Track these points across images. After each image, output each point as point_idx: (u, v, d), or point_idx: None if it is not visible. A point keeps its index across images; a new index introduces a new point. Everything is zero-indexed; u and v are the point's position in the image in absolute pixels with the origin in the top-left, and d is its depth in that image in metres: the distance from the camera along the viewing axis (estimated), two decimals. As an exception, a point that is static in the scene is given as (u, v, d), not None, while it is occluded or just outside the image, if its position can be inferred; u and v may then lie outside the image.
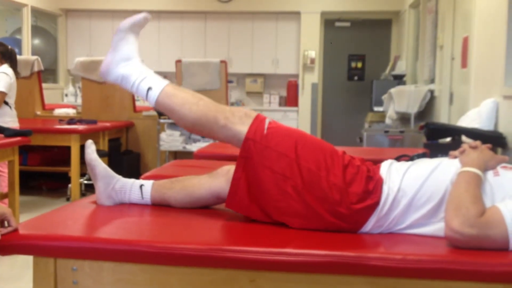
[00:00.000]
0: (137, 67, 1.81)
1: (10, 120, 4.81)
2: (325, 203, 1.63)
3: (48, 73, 9.52)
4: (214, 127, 1.73)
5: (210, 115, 1.73)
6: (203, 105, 1.75)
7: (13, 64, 4.86)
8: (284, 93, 9.73)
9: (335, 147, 1.77)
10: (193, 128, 1.79)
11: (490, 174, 1.63)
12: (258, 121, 1.73)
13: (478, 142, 1.74)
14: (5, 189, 4.36)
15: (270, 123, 1.74)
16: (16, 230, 1.56)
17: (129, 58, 1.81)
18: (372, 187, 1.65)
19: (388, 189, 1.65)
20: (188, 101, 1.75)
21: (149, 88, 1.77)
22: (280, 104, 9.66)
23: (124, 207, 1.89)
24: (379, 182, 1.66)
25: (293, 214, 1.66)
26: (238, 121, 1.72)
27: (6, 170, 4.30)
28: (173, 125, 6.12)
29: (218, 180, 1.83)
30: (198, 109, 1.74)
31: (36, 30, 9.23)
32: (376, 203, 1.63)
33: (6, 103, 4.76)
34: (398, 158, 1.85)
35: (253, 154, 1.69)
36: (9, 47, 4.93)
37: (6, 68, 4.77)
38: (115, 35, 1.83)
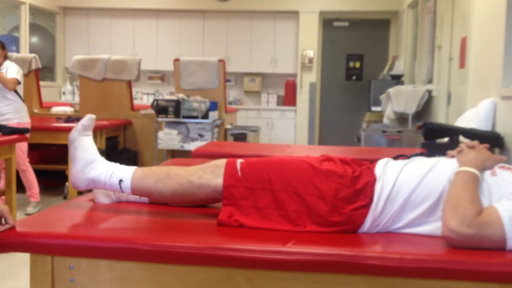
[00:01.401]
0: (101, 166, 1.83)
1: (25, 116, 4.89)
2: (317, 218, 1.64)
3: (46, 71, 9.50)
4: (193, 190, 1.76)
5: (184, 181, 1.76)
6: (173, 174, 1.77)
7: None
8: (282, 92, 9.73)
9: (310, 157, 1.78)
10: (174, 199, 1.82)
11: (487, 174, 1.63)
12: (230, 167, 1.75)
13: (475, 142, 1.74)
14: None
15: (242, 164, 1.75)
16: (13, 227, 1.55)
17: (91, 162, 1.83)
18: (360, 186, 1.65)
19: (382, 187, 1.65)
20: (159, 178, 1.77)
21: (120, 181, 1.79)
22: (278, 104, 9.66)
23: (121, 205, 1.89)
24: (370, 180, 1.66)
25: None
26: (211, 175, 1.75)
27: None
28: (171, 124, 6.12)
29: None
30: (170, 181, 1.76)
31: (34, 28, 9.21)
32: (369, 202, 1.63)
33: (20, 97, 4.84)
34: (395, 158, 1.85)
35: (237, 199, 1.70)
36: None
37: (11, 63, 4.87)
38: (70, 147, 1.86)
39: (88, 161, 1.83)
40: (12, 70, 4.81)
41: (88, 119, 1.87)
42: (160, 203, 1.90)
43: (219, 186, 1.73)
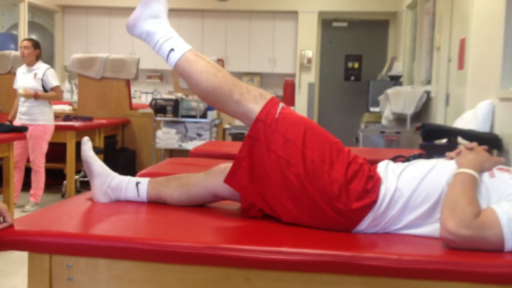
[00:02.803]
0: (164, 26, 1.79)
1: (52, 118, 4.98)
2: (324, 196, 1.63)
3: (45, 69, 9.47)
4: (228, 100, 1.73)
5: (226, 87, 1.73)
6: (221, 76, 1.74)
7: None
8: (280, 92, 9.73)
9: (342, 144, 1.78)
10: (207, 97, 1.78)
11: (486, 175, 1.63)
12: (272, 104, 1.73)
13: (474, 144, 1.74)
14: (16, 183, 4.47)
15: (283, 108, 1.74)
16: (11, 226, 1.55)
17: (157, 16, 1.79)
18: (371, 187, 1.66)
19: (386, 189, 1.65)
20: (207, 70, 1.74)
21: (171, 50, 1.76)
22: (276, 103, 9.65)
23: (119, 204, 1.89)
24: (378, 182, 1.67)
25: (291, 201, 1.66)
26: (252, 99, 1.72)
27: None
28: (169, 123, 6.11)
29: (215, 178, 1.83)
30: (215, 79, 1.73)
31: (33, 26, 9.20)
32: (374, 202, 1.64)
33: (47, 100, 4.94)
34: (394, 159, 1.85)
35: (261, 136, 1.69)
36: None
37: (45, 64, 4.96)
38: None
39: (155, 14, 1.78)
40: (51, 78, 4.91)
41: None
42: (159, 202, 1.90)
43: (252, 113, 1.71)
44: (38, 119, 4.83)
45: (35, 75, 4.89)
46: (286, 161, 1.66)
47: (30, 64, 4.94)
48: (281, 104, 1.75)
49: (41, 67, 4.93)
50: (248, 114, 1.72)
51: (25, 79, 4.90)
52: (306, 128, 1.70)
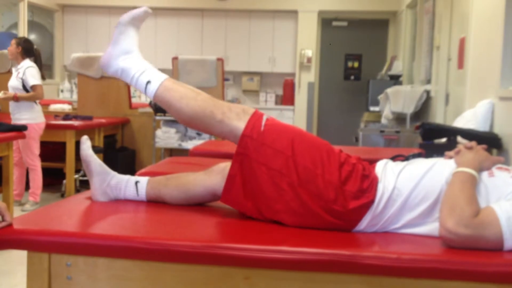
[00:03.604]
0: (137, 60, 1.81)
1: (38, 116, 4.90)
2: (320, 201, 1.63)
3: (44, 69, 9.37)
4: (211, 122, 1.74)
5: (207, 110, 1.73)
6: (201, 99, 1.75)
7: (38, 64, 5.00)
8: (280, 91, 9.73)
9: (332, 145, 1.77)
10: (190, 122, 1.79)
11: (485, 174, 1.63)
12: (256, 118, 1.73)
13: (473, 143, 1.74)
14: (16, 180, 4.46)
15: (268, 120, 1.74)
16: (10, 224, 1.55)
17: (129, 52, 1.81)
18: (367, 186, 1.65)
19: (383, 188, 1.65)
20: (186, 96, 1.75)
21: (148, 82, 1.77)
22: (276, 103, 9.66)
23: (119, 203, 1.89)
24: (374, 181, 1.67)
25: (288, 211, 1.66)
26: (235, 116, 1.73)
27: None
28: (169, 122, 6.11)
29: (214, 177, 1.83)
30: (196, 103, 1.74)
31: (33, 25, 9.20)
32: (371, 201, 1.63)
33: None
34: (393, 158, 1.85)
35: (249, 151, 1.69)
36: (35, 46, 5.06)
37: (29, 62, 4.88)
38: (116, 28, 1.84)
39: (127, 50, 1.81)
40: (30, 77, 4.83)
41: (144, 11, 1.84)
42: (158, 201, 1.90)
43: (237, 131, 1.71)
44: (22, 119, 4.79)
45: (18, 74, 4.87)
46: (278, 172, 1.66)
47: (17, 62, 4.94)
48: (265, 116, 1.76)
49: (24, 65, 4.88)
50: (234, 132, 1.72)
51: (12, 78, 4.90)
52: (293, 136, 1.71)
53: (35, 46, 5.09)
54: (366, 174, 1.68)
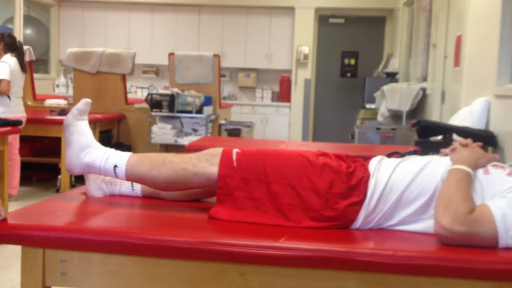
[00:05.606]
0: (97, 151, 1.81)
1: (7, 110, 4.84)
2: (311, 212, 1.63)
3: (40, 64, 9.46)
4: (187, 178, 1.74)
5: (178, 168, 1.74)
6: (168, 162, 1.75)
7: (20, 57, 4.95)
8: (276, 88, 9.73)
9: (307, 151, 1.77)
10: (168, 186, 1.79)
11: (480, 172, 1.63)
12: (226, 156, 1.73)
13: (469, 140, 1.74)
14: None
15: (238, 154, 1.74)
16: (5, 219, 1.54)
17: (86, 146, 1.82)
18: (354, 182, 1.65)
19: (375, 183, 1.65)
20: (154, 165, 1.76)
21: (115, 166, 1.78)
22: (272, 99, 9.66)
23: (114, 198, 1.88)
24: (364, 177, 1.66)
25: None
26: (206, 164, 1.73)
27: None
28: (165, 118, 6.11)
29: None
30: (165, 168, 1.74)
31: (28, 20, 9.16)
32: (363, 198, 1.63)
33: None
34: (389, 155, 1.85)
35: (231, 189, 1.69)
36: (18, 40, 5.03)
37: (8, 57, 4.84)
38: (64, 131, 1.84)
39: (84, 146, 1.81)
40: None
41: (84, 103, 1.85)
42: (153, 197, 1.90)
43: (214, 175, 1.71)
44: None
45: None
46: (263, 200, 1.67)
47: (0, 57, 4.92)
48: (235, 150, 1.76)
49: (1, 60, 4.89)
50: (212, 178, 1.72)
51: None
52: (264, 160, 1.71)
53: (17, 39, 5.06)
54: (350, 171, 1.68)
